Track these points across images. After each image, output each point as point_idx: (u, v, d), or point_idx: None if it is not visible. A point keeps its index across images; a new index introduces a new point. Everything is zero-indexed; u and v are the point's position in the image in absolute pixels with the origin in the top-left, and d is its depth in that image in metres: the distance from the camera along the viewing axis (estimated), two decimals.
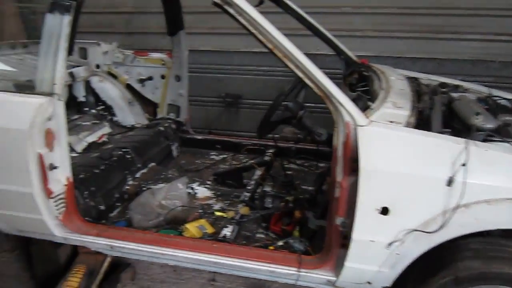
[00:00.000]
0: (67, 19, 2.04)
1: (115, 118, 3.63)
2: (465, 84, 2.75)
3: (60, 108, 2.09)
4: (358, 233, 1.83)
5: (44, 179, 2.10)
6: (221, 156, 3.53)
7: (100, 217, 2.55)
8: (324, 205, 2.28)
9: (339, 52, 3.13)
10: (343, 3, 3.82)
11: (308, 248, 2.17)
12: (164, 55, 3.53)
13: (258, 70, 4.25)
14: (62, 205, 2.23)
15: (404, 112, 1.95)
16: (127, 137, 3.34)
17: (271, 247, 2.18)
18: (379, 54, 3.81)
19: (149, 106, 3.75)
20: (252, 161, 3.09)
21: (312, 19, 3.00)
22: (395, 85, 2.35)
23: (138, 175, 3.01)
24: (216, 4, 1.95)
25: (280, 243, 2.22)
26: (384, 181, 1.76)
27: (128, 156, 3.01)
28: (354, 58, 3.10)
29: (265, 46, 1.95)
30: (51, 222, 2.21)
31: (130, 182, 2.91)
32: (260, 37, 1.93)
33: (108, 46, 3.55)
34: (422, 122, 2.01)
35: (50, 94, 2.06)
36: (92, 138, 3.16)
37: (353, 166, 1.83)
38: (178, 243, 2.20)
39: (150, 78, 3.58)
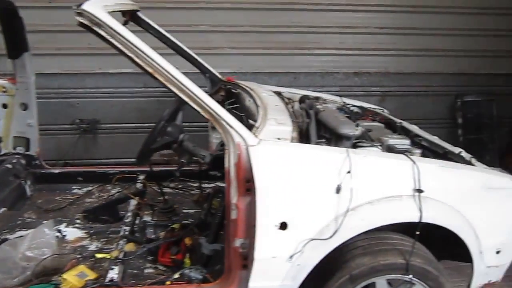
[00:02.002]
0: None
1: None
2: (323, 95, 3.01)
3: None
4: (260, 252, 1.84)
5: None
6: (85, 189, 3.19)
7: None
8: (215, 228, 2.23)
9: (203, 70, 3.14)
10: (200, 21, 3.84)
11: (206, 275, 2.08)
12: (4, 81, 3.05)
13: (116, 92, 3.99)
14: None
15: (287, 127, 2.03)
16: None
17: (168, 282, 2.03)
18: (238, 70, 3.93)
19: None
20: (126, 191, 2.86)
21: (174, 38, 2.95)
22: (269, 101, 2.43)
23: None
24: (83, 25, 1.76)
25: (176, 275, 2.09)
26: (280, 197, 1.81)
27: None
28: (219, 75, 3.14)
29: (144, 70, 1.83)
30: None
31: None
32: (138, 60, 1.81)
33: None
34: (301, 135, 2.12)
35: None
36: None
37: (246, 186, 1.83)
38: None
39: None
